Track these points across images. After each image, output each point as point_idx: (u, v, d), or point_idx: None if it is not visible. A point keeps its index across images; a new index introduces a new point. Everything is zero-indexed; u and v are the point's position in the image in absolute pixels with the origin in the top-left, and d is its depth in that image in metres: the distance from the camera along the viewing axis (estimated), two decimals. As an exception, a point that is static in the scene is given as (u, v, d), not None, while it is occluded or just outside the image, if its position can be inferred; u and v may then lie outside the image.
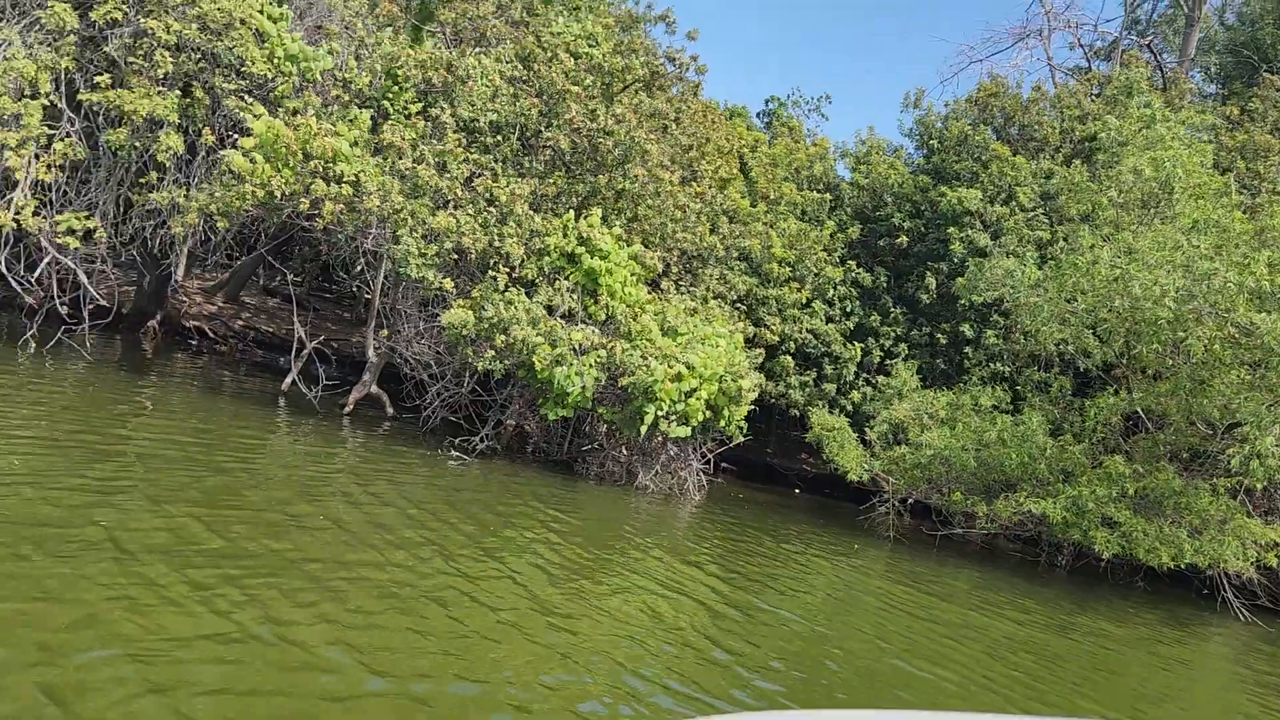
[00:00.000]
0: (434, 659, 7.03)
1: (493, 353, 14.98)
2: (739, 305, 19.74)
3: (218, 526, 8.81)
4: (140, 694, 5.62)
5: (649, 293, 16.72)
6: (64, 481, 9.14)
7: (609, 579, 10.45)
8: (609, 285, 15.88)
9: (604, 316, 15.88)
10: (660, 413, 15.29)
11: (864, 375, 21.64)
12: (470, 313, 14.64)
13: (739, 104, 32.35)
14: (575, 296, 15.63)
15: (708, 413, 15.98)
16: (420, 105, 16.92)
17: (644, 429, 15.17)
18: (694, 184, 17.86)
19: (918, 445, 17.96)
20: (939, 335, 21.58)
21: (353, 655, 6.75)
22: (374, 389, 17.45)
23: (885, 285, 22.50)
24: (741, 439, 17.61)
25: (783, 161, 23.78)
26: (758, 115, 36.53)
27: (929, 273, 21.72)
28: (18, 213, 14.49)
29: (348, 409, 17.03)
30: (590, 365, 15.10)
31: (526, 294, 15.52)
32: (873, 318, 21.90)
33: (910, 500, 18.63)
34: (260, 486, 10.74)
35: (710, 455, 18.42)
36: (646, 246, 16.81)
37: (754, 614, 10.28)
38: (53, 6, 14.73)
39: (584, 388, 15.11)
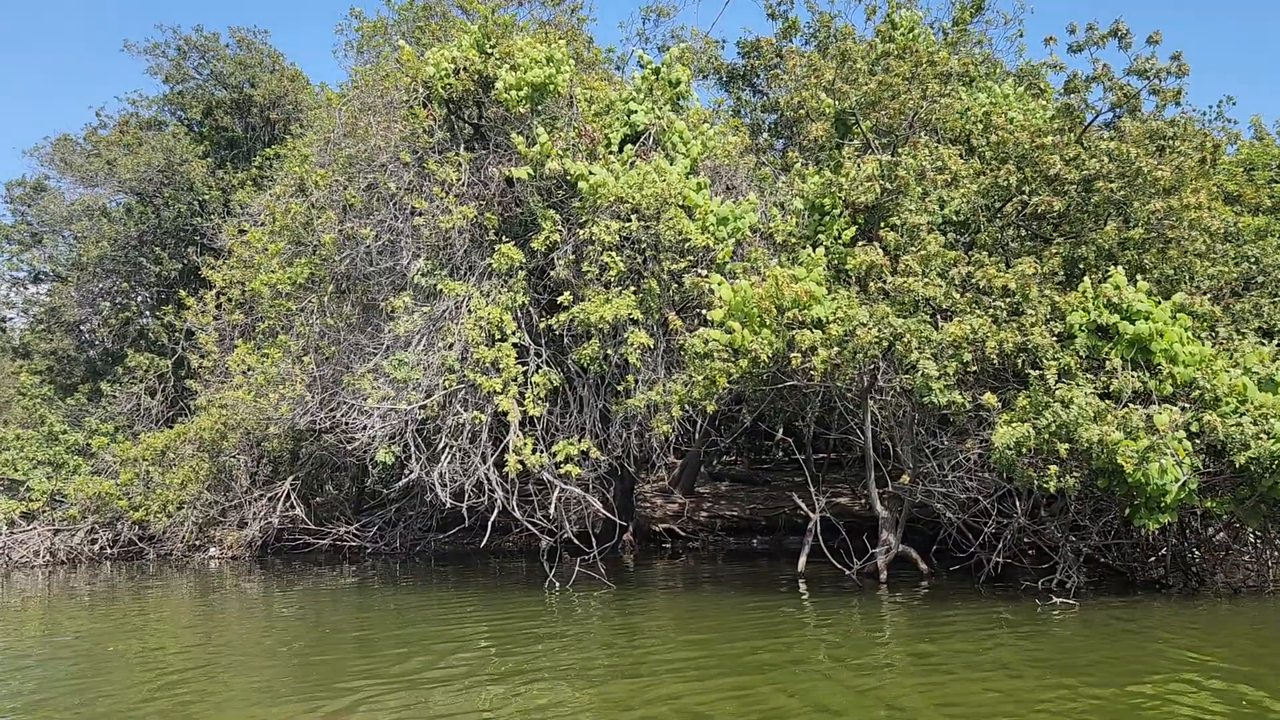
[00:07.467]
0: None
1: (1055, 467, 12.27)
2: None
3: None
4: None
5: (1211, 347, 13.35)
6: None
7: None
8: (1164, 350, 12.80)
9: (1170, 389, 12.72)
10: (1305, 487, 11.70)
11: None
12: (1025, 425, 12.10)
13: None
14: (1130, 375, 12.67)
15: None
16: (852, 229, 15.29)
17: (1293, 513, 11.61)
18: (1216, 204, 14.54)
19: None
20: None
21: None
22: (900, 548, 15.18)
23: None
24: None
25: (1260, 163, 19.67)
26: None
27: None
28: (518, 453, 14.20)
29: (882, 576, 14.81)
30: (1184, 451, 11.92)
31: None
32: None
33: None
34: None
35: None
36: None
37: None
38: (499, 250, 14.80)
39: (1184, 481, 11.91)
